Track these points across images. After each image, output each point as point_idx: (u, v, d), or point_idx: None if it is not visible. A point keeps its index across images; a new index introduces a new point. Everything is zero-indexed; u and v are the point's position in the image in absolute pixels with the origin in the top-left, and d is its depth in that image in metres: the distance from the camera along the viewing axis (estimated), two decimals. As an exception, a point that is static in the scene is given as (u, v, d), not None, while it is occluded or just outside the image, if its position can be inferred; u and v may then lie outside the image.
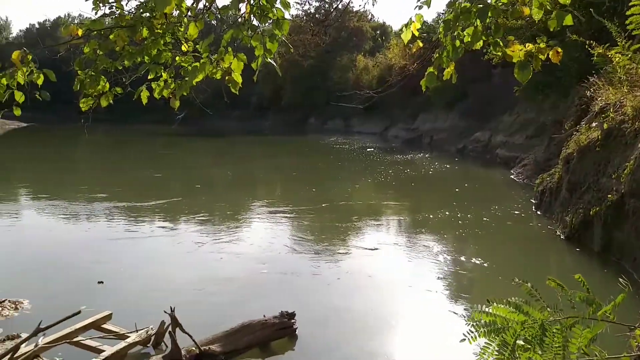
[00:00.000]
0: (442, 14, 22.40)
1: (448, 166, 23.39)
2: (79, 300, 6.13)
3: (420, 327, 6.39)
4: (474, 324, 2.50)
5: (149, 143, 36.45)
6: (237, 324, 5.52)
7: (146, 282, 7.57)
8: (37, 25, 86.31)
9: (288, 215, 12.53)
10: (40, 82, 3.33)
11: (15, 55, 3.16)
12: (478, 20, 2.57)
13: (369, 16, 59.32)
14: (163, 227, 11.17)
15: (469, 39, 2.64)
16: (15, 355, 4.18)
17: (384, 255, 9.20)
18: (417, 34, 3.05)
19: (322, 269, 8.37)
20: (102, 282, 7.16)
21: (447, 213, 12.53)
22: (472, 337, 2.48)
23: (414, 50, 3.02)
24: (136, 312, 6.09)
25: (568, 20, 2.61)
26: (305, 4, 53.48)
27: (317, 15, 47.54)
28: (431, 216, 12.45)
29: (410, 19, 3.03)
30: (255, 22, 2.60)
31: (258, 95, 57.26)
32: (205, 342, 5.22)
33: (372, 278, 8.02)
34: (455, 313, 6.70)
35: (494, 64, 23.88)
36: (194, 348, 5.10)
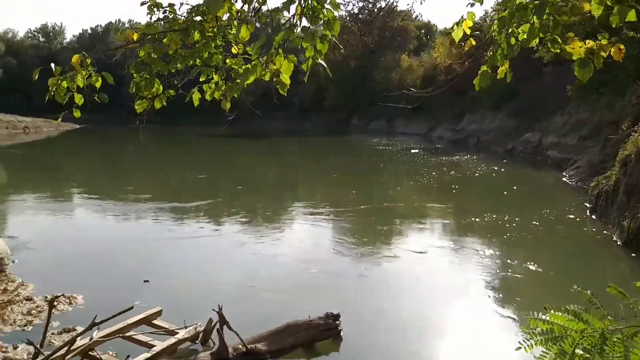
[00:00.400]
0: (492, 11, 21.80)
1: (495, 168, 22.78)
2: (129, 297, 6.34)
3: (468, 332, 6.23)
4: (530, 331, 2.41)
5: (196, 144, 37.43)
6: (283, 323, 5.56)
7: (193, 280, 7.74)
8: (89, 31, 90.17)
9: (330, 217, 12.53)
10: (98, 85, 3.46)
11: (75, 59, 3.29)
12: (535, 17, 2.47)
13: (414, 15, 58.52)
14: (207, 227, 11.41)
15: (525, 37, 2.55)
16: (71, 348, 4.36)
17: (430, 259, 9.04)
18: (468, 32, 2.97)
19: (367, 271, 8.33)
20: (147, 281, 7.33)
21: (494, 216, 12.20)
22: (528, 345, 2.39)
23: (467, 48, 2.94)
24: (184, 309, 6.24)
25: (631, 16, 2.48)
26: (348, 5, 53.38)
27: (360, 16, 47.32)
28: (477, 219, 12.14)
29: (462, 16, 2.96)
30: (305, 24, 2.60)
31: (301, 97, 57.52)
32: (251, 340, 5.29)
33: (418, 281, 7.90)
34: (504, 319, 6.51)
35: (545, 62, 23.08)
36: (240, 346, 5.17)
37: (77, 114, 3.31)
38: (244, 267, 8.37)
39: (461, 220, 12.54)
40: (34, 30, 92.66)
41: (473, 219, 12.31)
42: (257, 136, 43.37)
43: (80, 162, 26.42)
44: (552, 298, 6.45)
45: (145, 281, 7.34)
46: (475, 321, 6.49)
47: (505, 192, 16.55)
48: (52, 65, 3.19)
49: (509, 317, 6.56)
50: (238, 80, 3.24)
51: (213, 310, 5.30)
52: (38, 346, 4.37)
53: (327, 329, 5.68)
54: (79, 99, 3.25)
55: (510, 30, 2.61)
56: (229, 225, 11.56)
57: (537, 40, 2.72)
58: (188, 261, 8.77)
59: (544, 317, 2.37)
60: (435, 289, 7.56)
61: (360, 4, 53.23)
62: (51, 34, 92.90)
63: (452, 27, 3.02)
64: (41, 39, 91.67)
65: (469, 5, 2.95)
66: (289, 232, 11.04)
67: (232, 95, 3.31)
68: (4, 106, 55.57)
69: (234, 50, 3.60)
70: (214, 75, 3.49)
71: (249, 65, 2.94)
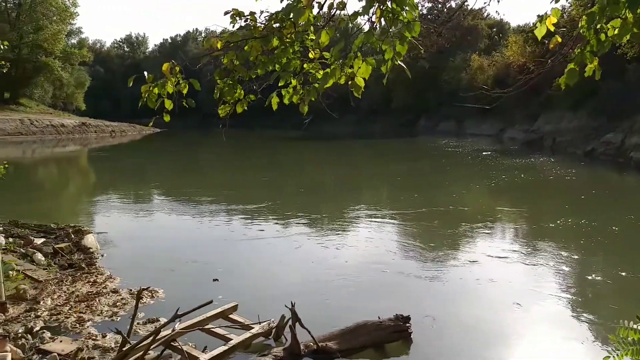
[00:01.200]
0: (569, 7, 20.68)
1: (573, 170, 21.59)
2: (205, 292, 6.63)
3: (544, 339, 5.97)
4: (620, 341, 2.31)
5: (267, 147, 38.44)
6: (353, 323, 5.61)
7: (265, 278, 8.00)
8: (169, 40, 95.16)
9: (396, 219, 12.44)
10: (185, 91, 3.70)
11: (165, 67, 3.54)
12: (628, 12, 2.36)
13: (485, 13, 56.64)
14: (275, 227, 11.68)
15: (616, 32, 2.44)
16: (156, 338, 4.66)
17: (502, 263, 8.73)
18: (552, 29, 2.88)
19: (436, 274, 8.19)
20: (217, 280, 7.58)
21: (569, 221, 11.60)
22: (617, 355, 2.30)
23: (552, 46, 2.85)
24: (258, 305, 6.45)
25: None
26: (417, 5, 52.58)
27: (429, 16, 46.49)
28: (552, 225, 11.57)
29: (546, 13, 2.88)
30: (384, 26, 2.64)
31: (368, 99, 57.11)
32: (322, 338, 5.38)
33: (490, 286, 7.67)
34: (583, 327, 6.18)
35: (629, 58, 21.53)
36: (312, 343, 5.28)
37: (166, 118, 3.55)
38: (312, 267, 8.52)
39: (535, 225, 12.01)
40: (119, 41, 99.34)
41: (548, 223, 11.75)
42: (326, 138, 43.81)
43: (160, 163, 27.96)
44: (632, 309, 6.03)
45: (214, 280, 7.58)
46: (552, 328, 6.21)
47: (582, 196, 15.63)
48: (145, 73, 3.45)
49: (590, 325, 6.22)
50: (316, 85, 3.34)
51: (286, 307, 5.45)
52: (125, 335, 4.71)
53: (397, 331, 5.66)
54: (169, 104, 3.49)
55: (599, 26, 2.51)
56: (296, 226, 11.77)
57: (628, 36, 2.60)
58: (259, 260, 9.04)
59: (636, 326, 2.27)
60: (509, 294, 7.30)
61: (429, 5, 52.30)
62: (135, 44, 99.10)
63: (535, 25, 2.95)
64: (126, 49, 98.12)
65: (553, 2, 2.87)
66: (354, 233, 11.08)
67: (309, 99, 3.42)
68: (93, 112, 59.94)
69: (311, 55, 3.71)
70: (292, 80, 3.61)
71: (328, 70, 3.02)
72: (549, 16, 2.84)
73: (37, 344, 5.41)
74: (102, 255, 8.94)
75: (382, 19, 2.66)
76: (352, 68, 3.31)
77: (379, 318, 5.70)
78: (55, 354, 5.14)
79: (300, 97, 3.49)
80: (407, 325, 5.72)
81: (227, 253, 9.48)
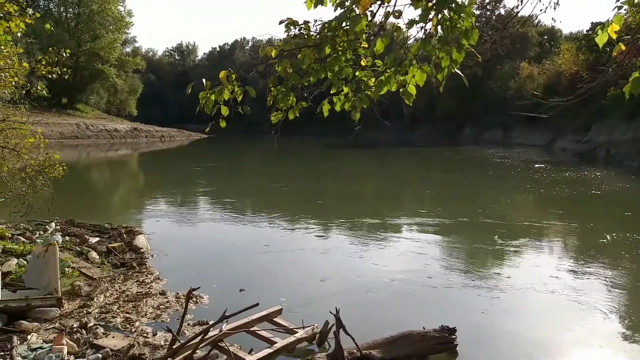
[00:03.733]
0: (624, 13, 19.78)
1: (627, 185, 20.60)
2: (248, 297, 6.73)
3: (595, 357, 5.73)
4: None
5: (310, 154, 38.76)
6: (397, 332, 5.56)
7: (308, 284, 8.03)
8: (217, 49, 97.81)
9: (441, 229, 12.25)
10: (240, 98, 3.81)
11: (222, 74, 3.66)
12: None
13: (536, 20, 55.20)
14: (316, 235, 11.70)
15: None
16: (204, 337, 4.78)
17: (551, 278, 8.40)
18: (614, 36, 2.80)
19: (482, 287, 8.00)
20: (243, 290, 7.49)
21: (622, 236, 11.09)
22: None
23: (615, 54, 2.77)
24: (301, 310, 6.51)
25: None
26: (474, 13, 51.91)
27: (477, 24, 45.68)
28: (604, 241, 11.08)
29: (608, 20, 2.80)
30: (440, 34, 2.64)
31: (411, 107, 56.27)
32: (366, 346, 5.36)
33: (539, 301, 7.42)
34: (635, 345, 5.88)
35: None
36: (355, 351, 5.27)
37: (222, 124, 3.67)
38: (354, 275, 8.48)
39: (586, 240, 11.53)
40: (170, 49, 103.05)
41: (599, 239, 11.26)
42: (367, 146, 43.69)
43: (207, 168, 28.64)
44: None
45: (241, 290, 7.47)
46: (603, 346, 5.94)
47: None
48: (204, 80, 3.58)
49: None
50: (368, 92, 3.38)
51: (330, 312, 5.46)
52: (175, 334, 4.86)
53: (442, 343, 5.56)
54: (225, 111, 3.61)
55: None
56: (337, 233, 11.77)
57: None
58: (301, 266, 9.10)
59: None
60: (557, 309, 7.05)
61: (478, 12, 51.46)
62: (185, 52, 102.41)
63: (595, 32, 2.87)
64: (176, 57, 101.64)
65: (616, 9, 2.79)
66: (397, 243, 10.95)
67: (361, 107, 3.46)
68: (144, 117, 62.27)
69: (363, 63, 3.75)
70: (344, 87, 3.66)
71: (382, 77, 3.05)
72: (611, 23, 2.77)
73: (90, 339, 5.65)
74: (152, 256, 9.25)
75: (439, 27, 2.67)
76: (405, 75, 3.33)
77: (423, 328, 5.63)
78: (108, 349, 5.36)
79: (352, 104, 3.53)
80: (453, 336, 5.61)
81: (270, 258, 9.57)
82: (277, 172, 26.69)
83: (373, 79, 3.55)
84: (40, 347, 5.25)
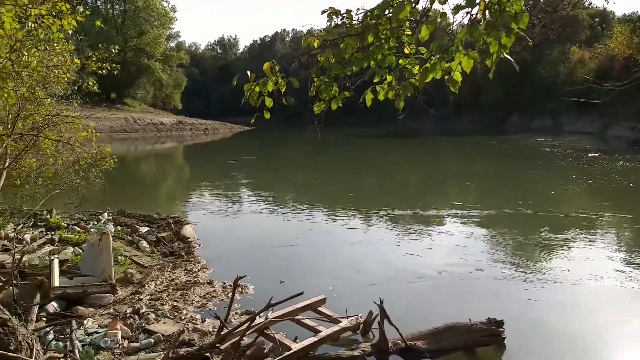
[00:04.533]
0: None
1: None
2: (291, 287, 6.77)
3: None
4: None
5: (350, 145, 38.64)
6: (442, 324, 5.50)
7: (351, 274, 8.04)
8: (258, 41, 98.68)
9: (486, 221, 11.97)
10: (283, 89, 3.83)
11: (266, 66, 3.69)
12: None
13: (586, 2, 52.72)
14: (361, 225, 11.70)
15: None
16: (251, 324, 4.89)
17: (602, 273, 8.04)
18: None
19: (530, 280, 7.78)
20: (283, 282, 7.51)
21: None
22: None
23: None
24: (344, 300, 6.53)
25: None
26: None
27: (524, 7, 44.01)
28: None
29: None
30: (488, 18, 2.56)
31: (455, 94, 54.46)
32: (410, 337, 5.33)
33: (589, 296, 7.16)
34: None
35: None
36: (400, 341, 5.25)
37: (267, 115, 3.71)
38: (398, 266, 8.41)
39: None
40: (212, 43, 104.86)
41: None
42: (408, 136, 43.13)
43: (249, 160, 29.11)
44: None
45: (280, 282, 7.51)
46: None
47: None
48: (248, 72, 3.62)
49: None
50: (412, 80, 3.32)
51: (374, 303, 5.46)
52: (223, 321, 4.98)
53: (489, 335, 5.46)
54: (269, 102, 3.64)
55: None
56: (380, 225, 11.69)
57: None
58: (344, 257, 9.09)
59: None
60: (608, 305, 6.78)
61: (523, -6, 49.52)
62: (227, 46, 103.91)
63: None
64: (219, 51, 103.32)
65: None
66: (440, 234, 10.77)
67: (405, 95, 3.41)
68: (189, 111, 63.83)
69: (406, 51, 3.69)
70: (387, 76, 3.62)
71: (428, 65, 2.99)
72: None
73: (143, 324, 5.88)
74: (199, 245, 9.50)
75: (487, 12, 2.59)
76: (450, 62, 3.25)
77: (469, 320, 5.54)
78: (160, 334, 5.57)
79: (396, 93, 3.48)
80: (501, 329, 5.50)
81: (313, 249, 9.63)
82: (317, 163, 26.77)
83: (417, 67, 3.49)
84: (96, 332, 5.52)
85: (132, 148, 37.04)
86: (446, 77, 3.39)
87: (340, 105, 3.79)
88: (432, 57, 3.33)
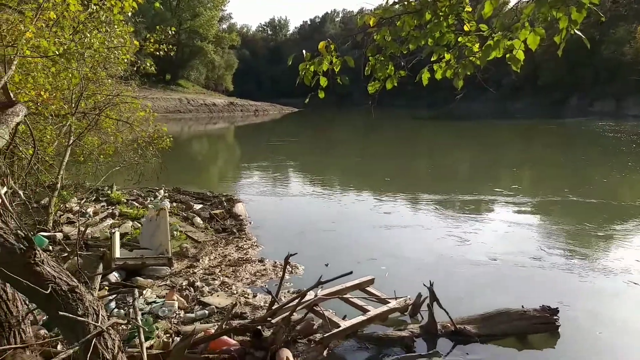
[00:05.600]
0: None
1: None
2: (339, 268, 6.81)
3: None
4: None
5: (399, 127, 38.09)
6: (494, 309, 5.41)
7: (399, 257, 7.99)
8: (308, 22, 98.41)
9: (539, 209, 11.55)
10: (337, 69, 3.82)
11: (321, 45, 3.69)
12: None
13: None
14: (409, 209, 11.58)
15: None
16: (302, 301, 4.99)
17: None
18: None
19: (585, 270, 7.49)
20: (327, 265, 7.41)
21: None
22: None
23: None
24: (392, 281, 6.53)
25: None
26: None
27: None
28: None
29: None
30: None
31: (510, 75, 51.85)
32: (460, 321, 5.29)
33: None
34: None
35: None
36: (449, 324, 5.22)
37: (321, 94, 3.72)
38: (445, 252, 8.25)
39: None
40: (263, 25, 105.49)
41: None
42: (460, 119, 42.01)
43: (298, 141, 29.32)
44: None
45: (326, 265, 7.42)
46: None
47: None
48: (304, 52, 3.63)
49: None
50: (472, 58, 3.23)
51: (424, 285, 5.44)
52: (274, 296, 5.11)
53: (543, 323, 5.33)
54: (324, 82, 3.64)
55: None
56: (428, 209, 11.48)
57: None
58: (392, 239, 9.06)
59: None
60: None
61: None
62: (277, 27, 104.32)
63: None
64: (269, 32, 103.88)
65: None
66: (491, 220, 10.48)
67: (465, 74, 3.32)
68: (240, 92, 64.83)
69: (466, 28, 3.59)
70: (445, 54, 3.53)
71: (491, 42, 2.89)
72: None
73: (198, 296, 6.13)
74: (250, 223, 9.72)
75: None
76: (512, 40, 3.13)
77: (522, 307, 5.41)
78: (214, 306, 5.78)
79: (455, 72, 3.40)
80: (555, 317, 5.35)
81: (360, 232, 9.59)
82: (365, 145, 26.62)
83: (477, 45, 3.39)
84: (154, 302, 5.80)
85: (186, 128, 38.07)
86: (508, 55, 3.27)
87: (396, 84, 3.74)
88: (494, 34, 3.22)
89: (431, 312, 5.18)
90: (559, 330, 5.39)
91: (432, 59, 3.55)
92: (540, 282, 7.06)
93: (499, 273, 7.35)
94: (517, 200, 12.41)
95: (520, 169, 18.34)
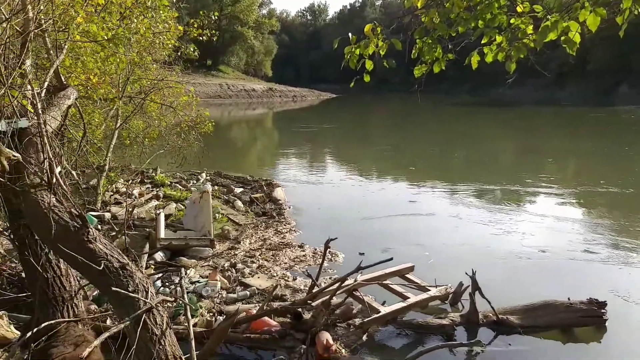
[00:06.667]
0: None
1: None
2: (378, 256, 6.76)
3: None
4: None
5: (438, 114, 37.39)
6: (539, 301, 5.28)
7: (440, 246, 7.89)
8: (348, 7, 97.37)
9: (586, 200, 11.13)
10: (383, 52, 3.75)
11: (367, 28, 3.63)
12: None
13: None
14: (450, 199, 11.33)
15: None
16: (341, 285, 5.02)
17: None
18: None
19: (636, 264, 7.20)
20: (363, 254, 7.17)
21: None
22: None
23: None
24: (432, 270, 6.46)
25: None
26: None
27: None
28: None
29: None
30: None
31: (557, 60, 48.70)
32: (502, 311, 5.19)
33: None
34: None
35: None
36: (491, 314, 5.14)
37: (367, 78, 3.68)
38: (486, 242, 8.06)
39: None
40: (302, 10, 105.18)
41: None
42: (503, 105, 40.82)
43: (335, 127, 29.24)
44: None
45: (360, 254, 7.17)
46: None
47: None
48: (350, 34, 3.59)
49: None
50: (526, 40, 3.11)
51: (466, 274, 5.36)
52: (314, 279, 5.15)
53: (590, 316, 5.17)
54: (369, 65, 3.60)
55: None
56: (469, 198, 11.24)
57: None
58: (433, 228, 8.93)
59: None
60: None
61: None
62: (316, 12, 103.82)
63: None
64: (308, 17, 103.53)
65: None
66: (535, 211, 10.12)
67: (518, 56, 3.21)
68: (278, 78, 65.10)
69: (519, 9, 3.46)
70: (497, 37, 3.42)
71: (548, 23, 2.78)
72: None
73: (239, 277, 6.25)
74: (289, 208, 9.80)
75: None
76: (570, 21, 3.00)
77: (568, 299, 5.26)
78: (255, 287, 5.89)
79: (507, 55, 3.29)
80: (602, 311, 5.17)
81: (399, 220, 9.46)
82: (404, 133, 26.23)
83: (531, 26, 3.26)
84: (198, 281, 5.96)
85: (226, 114, 38.61)
86: (562, 37, 3.13)
87: (444, 67, 3.66)
88: (549, 15, 3.09)
89: (473, 300, 5.10)
90: (606, 324, 5.21)
91: (482, 42, 3.44)
92: (586, 274, 6.84)
93: (542, 264, 7.15)
94: (557, 191, 12.00)
95: (562, 159, 17.69)
